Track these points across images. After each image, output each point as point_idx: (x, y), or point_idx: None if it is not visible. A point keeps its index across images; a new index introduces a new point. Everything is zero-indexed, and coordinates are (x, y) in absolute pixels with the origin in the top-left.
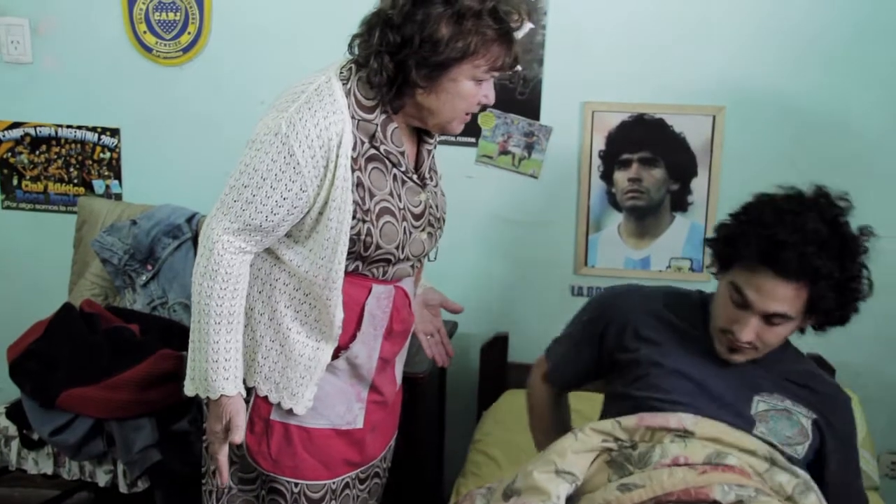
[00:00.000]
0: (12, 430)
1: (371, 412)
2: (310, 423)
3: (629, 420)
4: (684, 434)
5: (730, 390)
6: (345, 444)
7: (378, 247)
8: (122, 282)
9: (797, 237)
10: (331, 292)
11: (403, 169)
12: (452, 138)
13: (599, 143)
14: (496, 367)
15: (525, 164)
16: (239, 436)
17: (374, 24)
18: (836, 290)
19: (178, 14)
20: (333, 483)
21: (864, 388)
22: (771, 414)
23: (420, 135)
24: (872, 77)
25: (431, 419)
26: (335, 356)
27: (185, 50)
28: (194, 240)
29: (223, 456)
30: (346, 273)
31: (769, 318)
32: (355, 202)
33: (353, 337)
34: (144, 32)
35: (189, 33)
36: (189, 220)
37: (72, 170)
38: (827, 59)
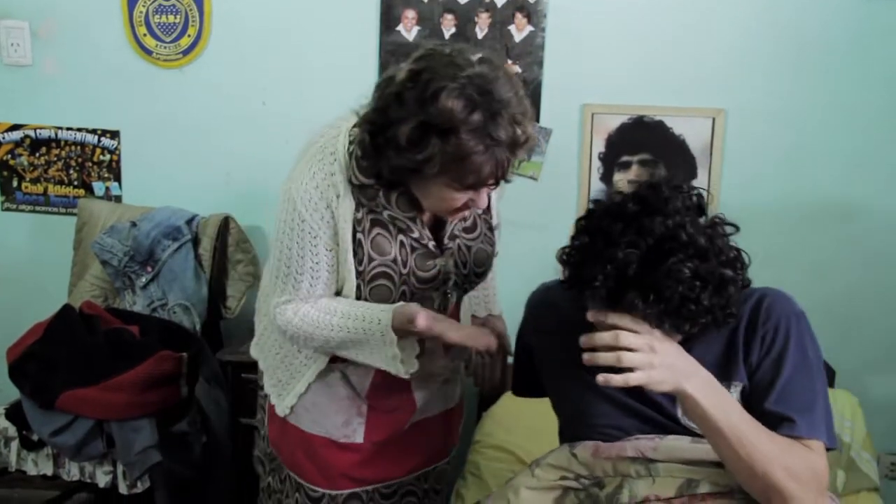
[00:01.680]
0: (12, 430)
1: (375, 429)
2: (306, 428)
3: (584, 451)
4: (646, 462)
5: (654, 401)
6: (345, 458)
7: (367, 299)
8: (122, 283)
9: (603, 270)
10: None
11: (416, 235)
12: None
13: (599, 145)
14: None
15: (525, 166)
16: (421, 317)
17: (376, 91)
18: (670, 315)
19: (178, 17)
20: (333, 492)
21: (863, 388)
22: None
23: None
24: (871, 77)
25: None
26: (331, 360)
27: (185, 52)
28: (194, 241)
29: (463, 330)
30: None
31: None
32: (354, 262)
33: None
34: (144, 35)
35: (189, 36)
36: (189, 221)
37: (72, 172)
38: (826, 60)
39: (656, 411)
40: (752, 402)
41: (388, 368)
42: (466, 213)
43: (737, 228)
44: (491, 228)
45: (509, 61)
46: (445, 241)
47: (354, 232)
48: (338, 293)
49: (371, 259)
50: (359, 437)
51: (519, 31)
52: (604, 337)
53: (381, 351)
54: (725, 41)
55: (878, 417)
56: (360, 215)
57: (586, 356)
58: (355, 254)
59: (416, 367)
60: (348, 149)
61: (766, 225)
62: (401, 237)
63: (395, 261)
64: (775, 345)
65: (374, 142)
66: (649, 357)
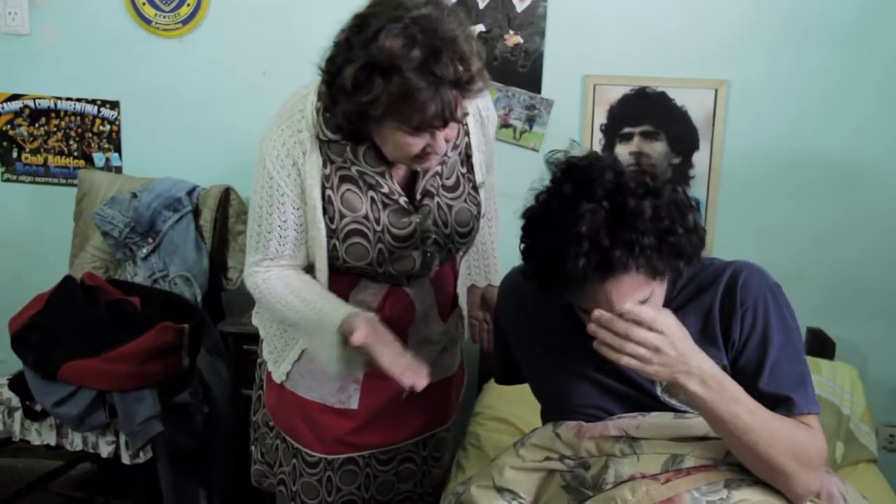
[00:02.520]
0: (15, 401)
1: (370, 396)
2: (302, 393)
3: (568, 431)
4: (630, 440)
5: (633, 380)
6: (340, 424)
7: (346, 262)
8: (123, 255)
9: (578, 250)
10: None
11: (386, 191)
12: None
13: (601, 117)
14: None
15: (526, 137)
16: (359, 333)
17: (332, 44)
18: (658, 257)
19: None
20: (329, 457)
21: (863, 360)
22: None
23: None
24: (874, 52)
25: None
26: None
27: (185, 22)
28: (195, 213)
29: (397, 359)
30: (333, 270)
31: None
32: (325, 220)
33: None
34: (143, 4)
35: (188, 5)
36: (189, 193)
37: (71, 142)
38: (829, 31)
39: (636, 390)
40: (743, 384)
41: (327, 366)
42: (434, 165)
43: (653, 166)
44: (476, 188)
45: (511, 31)
46: (418, 196)
47: (323, 189)
48: (311, 269)
49: (342, 216)
50: (353, 404)
51: (521, 1)
52: (617, 327)
53: (327, 348)
54: (728, 12)
55: (878, 390)
56: (328, 171)
57: (597, 331)
58: (326, 211)
59: (357, 371)
60: (316, 105)
61: (768, 196)
62: (371, 193)
63: (366, 217)
64: (757, 324)
65: (329, 91)
66: (651, 355)
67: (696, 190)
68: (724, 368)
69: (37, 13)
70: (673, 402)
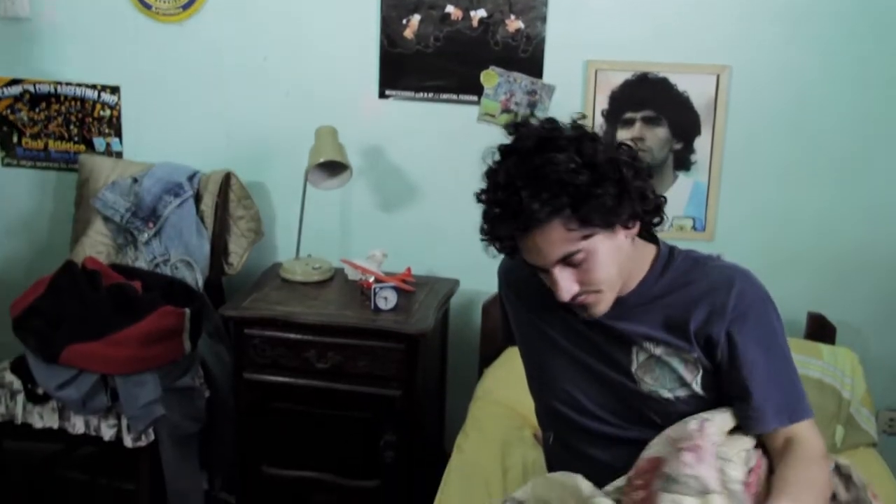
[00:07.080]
0: (17, 384)
1: None
2: None
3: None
4: None
5: (610, 357)
6: None
7: None
8: (125, 239)
9: (506, 192)
10: None
11: None
12: (455, 96)
13: (602, 102)
14: (498, 324)
15: None
16: None
17: None
18: (574, 207)
19: None
20: None
21: (863, 345)
22: (652, 362)
23: None
24: (877, 31)
25: (432, 376)
26: None
27: (185, 7)
28: (196, 197)
29: None
30: None
31: (567, 262)
32: None
33: None
34: None
35: None
36: (190, 178)
37: (72, 127)
38: (831, 17)
39: (612, 369)
40: (738, 391)
41: None
42: None
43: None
44: None
45: (512, 17)
46: None
47: None
48: None
49: None
50: None
51: None
52: None
53: None
54: None
55: (878, 374)
56: None
57: None
58: None
59: None
60: None
61: (769, 180)
62: None
63: None
64: (753, 332)
65: None
66: None
67: (698, 175)
68: (695, 360)
69: None
70: (647, 378)
